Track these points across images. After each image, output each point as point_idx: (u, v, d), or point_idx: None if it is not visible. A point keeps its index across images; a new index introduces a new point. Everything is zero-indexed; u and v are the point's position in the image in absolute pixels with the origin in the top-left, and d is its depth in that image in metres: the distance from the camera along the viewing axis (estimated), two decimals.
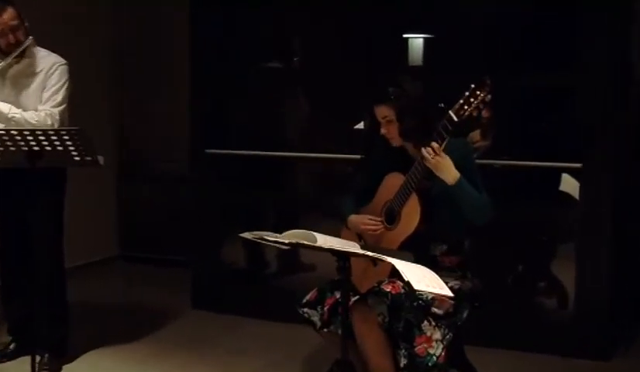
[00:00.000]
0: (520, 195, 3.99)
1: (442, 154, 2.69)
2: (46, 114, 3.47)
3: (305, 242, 2.46)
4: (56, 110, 3.50)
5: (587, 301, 3.82)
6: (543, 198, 4.06)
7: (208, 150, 4.61)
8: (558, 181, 4.06)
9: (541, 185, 4.07)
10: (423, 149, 2.69)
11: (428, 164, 2.70)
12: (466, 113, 2.62)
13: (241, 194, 4.77)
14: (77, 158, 3.10)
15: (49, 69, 3.53)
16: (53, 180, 3.59)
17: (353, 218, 3.02)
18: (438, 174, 2.72)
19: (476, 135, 4.00)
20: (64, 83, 3.55)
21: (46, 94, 3.52)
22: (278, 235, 2.53)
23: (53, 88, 3.52)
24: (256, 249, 4.79)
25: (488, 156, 3.93)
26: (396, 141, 2.91)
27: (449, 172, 2.71)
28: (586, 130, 3.76)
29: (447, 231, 2.85)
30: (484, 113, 3.96)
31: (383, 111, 2.87)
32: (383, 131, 2.90)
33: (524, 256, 4.26)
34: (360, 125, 4.27)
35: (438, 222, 2.80)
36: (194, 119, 4.67)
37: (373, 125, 2.94)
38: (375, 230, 2.92)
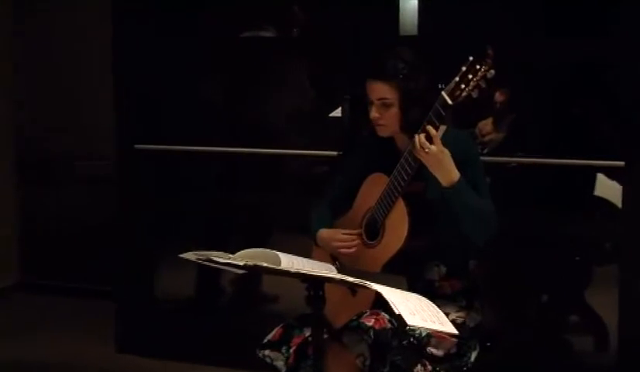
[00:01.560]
0: (543, 203, 4.06)
1: (440, 144, 2.77)
2: None
3: (266, 265, 2.52)
4: None
5: (634, 341, 3.88)
6: (573, 207, 4.12)
7: (138, 146, 4.69)
8: (593, 184, 4.14)
9: (570, 189, 4.13)
10: (416, 136, 2.77)
11: (420, 157, 2.78)
12: (463, 94, 2.71)
13: (182, 202, 4.84)
14: None
15: None
16: None
17: (324, 232, 3.11)
18: (431, 171, 2.80)
19: (487, 125, 4.08)
20: None
21: None
22: (230, 255, 2.60)
23: None
24: (204, 273, 4.85)
25: (501, 152, 4.01)
26: (386, 130, 3.00)
27: (447, 170, 2.79)
28: (630, 119, 3.81)
29: (447, 247, 2.94)
30: (498, 96, 4.06)
31: (382, 91, 2.93)
32: (374, 114, 2.97)
33: (550, 282, 4.31)
34: (337, 113, 4.32)
35: (436, 236, 2.89)
36: (119, 106, 4.73)
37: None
38: (350, 248, 3.01)
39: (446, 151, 2.78)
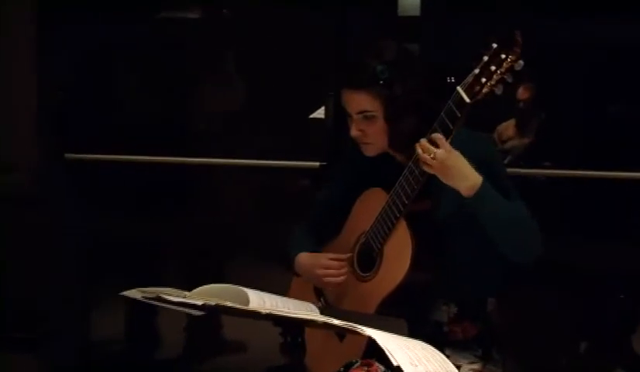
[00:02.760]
0: (579, 226, 4.10)
1: (449, 148, 2.71)
2: None
3: (230, 305, 2.50)
4: None
5: None
6: (617, 231, 4.16)
7: (68, 155, 4.71)
8: None
9: (613, 210, 4.17)
10: (418, 145, 2.73)
11: (427, 168, 2.73)
12: (484, 90, 2.64)
13: (123, 224, 4.85)
14: None
15: None
16: None
17: (305, 257, 3.11)
18: (446, 181, 2.74)
19: (508, 128, 4.11)
20: None
21: None
22: (186, 292, 2.59)
23: None
24: (151, 316, 4.84)
25: (526, 163, 4.05)
26: (374, 149, 2.98)
27: (462, 175, 2.73)
28: None
29: (460, 282, 2.92)
30: (521, 93, 4.09)
31: (360, 102, 2.90)
32: (355, 133, 2.95)
33: (590, 324, 4.35)
34: (319, 114, 4.34)
35: (446, 267, 2.87)
36: (44, 107, 4.77)
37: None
38: (339, 276, 3.00)
39: (456, 152, 2.72)
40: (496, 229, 2.78)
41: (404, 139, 2.86)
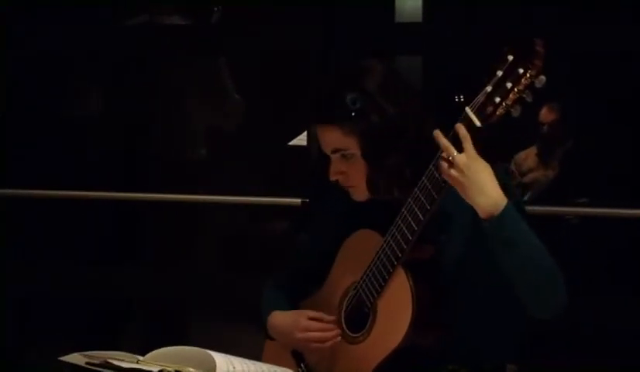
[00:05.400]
0: (620, 277, 4.10)
1: (474, 155, 2.64)
2: None
3: (192, 371, 2.51)
4: None
5: None
6: None
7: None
8: None
9: None
10: (438, 135, 2.66)
11: (444, 174, 2.64)
12: (498, 111, 2.62)
13: (64, 272, 4.89)
14: None
15: None
16: None
17: (280, 317, 3.11)
18: (463, 195, 2.67)
19: (528, 157, 4.14)
20: None
21: None
22: (139, 357, 2.59)
23: None
24: None
25: (552, 199, 4.07)
26: (363, 193, 2.95)
27: (484, 191, 2.66)
28: None
29: (473, 344, 2.91)
30: (545, 114, 4.11)
31: (333, 139, 2.91)
32: (334, 176, 2.95)
33: None
34: (301, 141, 4.34)
35: (455, 326, 2.85)
36: None
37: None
38: (325, 341, 2.98)
39: (482, 162, 2.66)
40: (518, 269, 2.71)
41: (384, 183, 2.87)
